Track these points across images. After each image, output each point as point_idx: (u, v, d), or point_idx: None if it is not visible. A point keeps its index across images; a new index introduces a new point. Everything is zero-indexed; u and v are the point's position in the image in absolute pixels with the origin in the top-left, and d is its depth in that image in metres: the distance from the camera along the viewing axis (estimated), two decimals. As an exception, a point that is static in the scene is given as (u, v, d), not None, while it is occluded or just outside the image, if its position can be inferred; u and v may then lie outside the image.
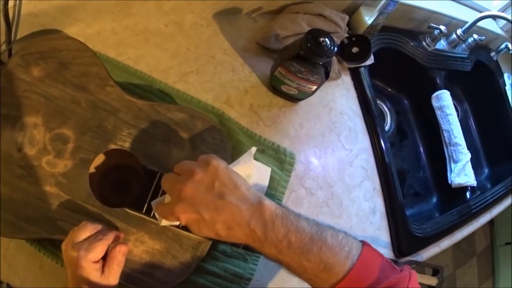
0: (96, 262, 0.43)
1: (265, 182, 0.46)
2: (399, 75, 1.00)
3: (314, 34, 0.57)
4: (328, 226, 0.41)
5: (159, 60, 0.65)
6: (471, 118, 1.17)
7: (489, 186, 1.02)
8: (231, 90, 0.68)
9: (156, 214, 0.45)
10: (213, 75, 0.68)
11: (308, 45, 0.56)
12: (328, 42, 0.57)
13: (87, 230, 0.44)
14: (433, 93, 0.95)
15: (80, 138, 0.50)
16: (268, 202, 0.39)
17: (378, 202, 0.73)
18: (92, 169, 0.53)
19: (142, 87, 0.62)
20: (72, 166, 0.49)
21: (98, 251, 0.43)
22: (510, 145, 1.05)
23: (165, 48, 0.67)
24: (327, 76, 0.62)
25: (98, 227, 0.46)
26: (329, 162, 0.71)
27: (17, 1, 0.52)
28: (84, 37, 0.61)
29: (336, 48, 0.57)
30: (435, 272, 0.72)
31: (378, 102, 1.00)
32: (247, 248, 0.51)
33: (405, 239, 0.72)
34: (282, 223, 0.38)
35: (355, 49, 0.60)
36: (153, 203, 0.46)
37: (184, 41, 0.68)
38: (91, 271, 0.42)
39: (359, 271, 0.38)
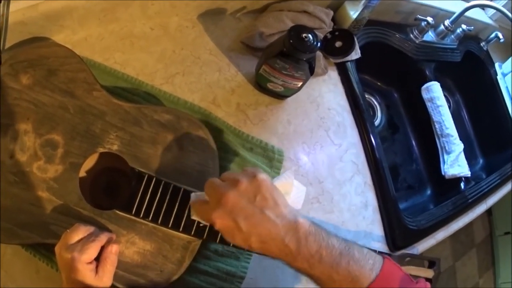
0: (90, 263, 0.44)
1: (300, 201, 0.48)
2: (388, 68, 1.00)
3: (297, 30, 0.57)
4: (353, 241, 0.43)
5: (145, 63, 0.66)
6: (463, 109, 1.17)
7: (484, 176, 1.01)
8: (218, 90, 0.68)
9: (191, 208, 0.47)
10: (199, 76, 0.68)
11: (291, 41, 0.56)
12: (311, 37, 0.57)
13: (80, 232, 0.45)
14: (423, 85, 0.95)
15: (69, 143, 0.51)
16: (302, 219, 0.41)
17: (370, 196, 0.73)
18: (82, 173, 0.54)
19: (130, 90, 0.62)
20: (63, 170, 0.50)
21: (91, 252, 0.44)
22: (504, 134, 1.05)
23: (151, 51, 0.67)
24: (312, 72, 0.62)
25: (90, 229, 0.47)
26: (318, 158, 0.71)
27: (5, 10, 0.53)
28: (71, 44, 0.61)
29: (319, 44, 0.58)
30: (431, 264, 0.72)
31: (367, 96, 1.00)
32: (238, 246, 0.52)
33: (399, 232, 0.72)
34: (315, 239, 0.40)
35: (338, 44, 0.61)
36: (192, 195, 0.48)
37: (170, 44, 0.69)
38: (86, 272, 0.43)
39: (382, 281, 0.40)
